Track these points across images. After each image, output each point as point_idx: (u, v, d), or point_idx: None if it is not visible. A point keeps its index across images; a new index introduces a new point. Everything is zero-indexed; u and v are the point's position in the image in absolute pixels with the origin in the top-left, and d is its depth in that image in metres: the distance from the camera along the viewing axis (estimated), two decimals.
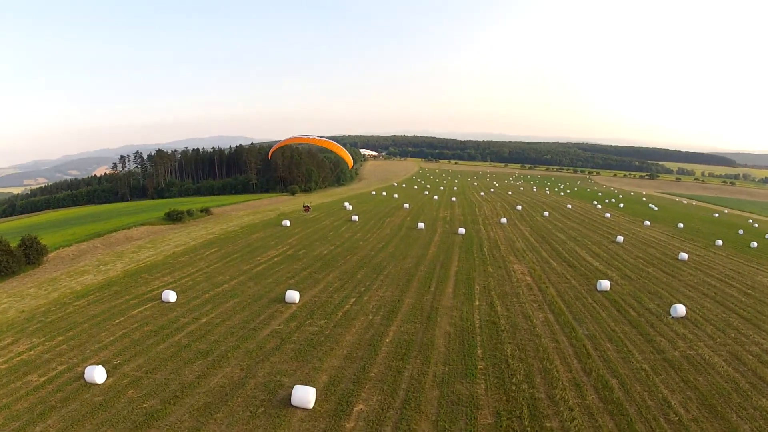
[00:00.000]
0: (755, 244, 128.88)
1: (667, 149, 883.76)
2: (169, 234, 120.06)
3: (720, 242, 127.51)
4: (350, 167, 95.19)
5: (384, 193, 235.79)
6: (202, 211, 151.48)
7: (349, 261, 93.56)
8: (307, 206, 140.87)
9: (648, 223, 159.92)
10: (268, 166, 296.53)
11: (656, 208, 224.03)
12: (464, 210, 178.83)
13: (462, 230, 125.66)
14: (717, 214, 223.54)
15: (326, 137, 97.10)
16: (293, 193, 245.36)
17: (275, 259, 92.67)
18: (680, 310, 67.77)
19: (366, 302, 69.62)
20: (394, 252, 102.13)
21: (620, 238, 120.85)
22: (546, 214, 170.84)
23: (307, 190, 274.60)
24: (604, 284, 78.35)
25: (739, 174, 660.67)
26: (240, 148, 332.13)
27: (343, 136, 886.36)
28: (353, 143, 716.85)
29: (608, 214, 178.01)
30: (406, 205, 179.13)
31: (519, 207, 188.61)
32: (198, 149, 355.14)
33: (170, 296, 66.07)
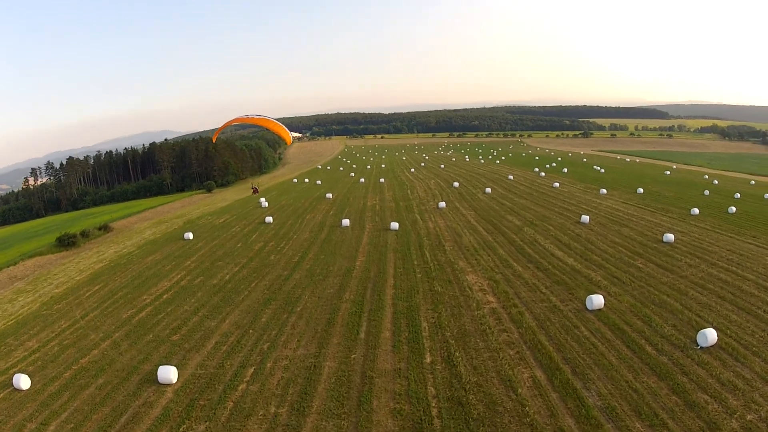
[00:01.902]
0: (733, 209, 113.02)
1: (598, 106, 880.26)
2: (57, 267, 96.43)
3: (696, 211, 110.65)
4: (289, 144, 78.65)
5: (306, 180, 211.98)
6: (100, 228, 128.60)
7: (254, 291, 71.01)
8: (255, 188, 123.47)
9: (604, 191, 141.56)
10: (183, 162, 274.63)
11: (602, 170, 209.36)
12: (395, 193, 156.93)
13: (395, 224, 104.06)
14: (668, 172, 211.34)
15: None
16: (209, 190, 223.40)
17: (164, 297, 71.17)
18: (710, 336, 47.95)
19: (269, 374, 47.10)
20: (312, 269, 79.68)
21: (585, 218, 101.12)
22: (488, 190, 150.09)
23: (225, 184, 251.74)
24: (596, 301, 57.63)
25: (674, 126, 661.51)
26: (153, 146, 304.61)
27: (267, 119, 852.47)
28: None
29: (557, 184, 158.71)
30: (330, 195, 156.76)
31: (456, 184, 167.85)
32: (111, 152, 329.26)
33: (22, 382, 48.11)
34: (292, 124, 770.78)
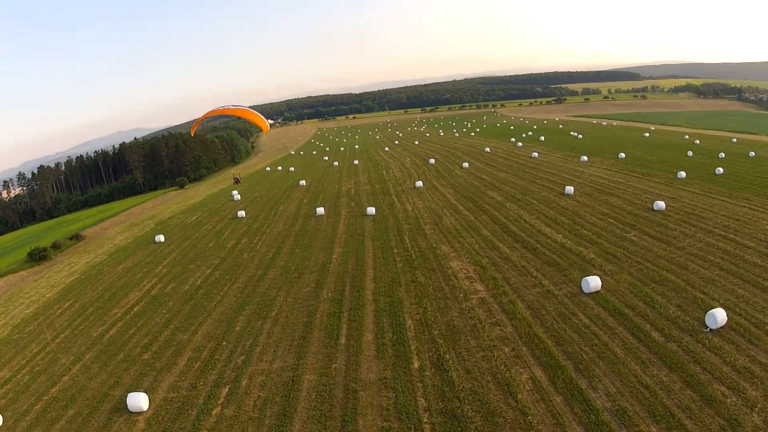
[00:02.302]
0: (720, 170, 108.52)
1: (569, 71, 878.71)
2: (29, 284, 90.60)
3: (683, 174, 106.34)
4: (266, 132, 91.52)
5: (280, 168, 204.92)
6: (72, 238, 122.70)
7: (227, 296, 65.88)
8: (237, 178, 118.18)
9: (585, 158, 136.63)
10: (154, 160, 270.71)
11: (580, 136, 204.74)
12: (370, 175, 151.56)
13: (372, 209, 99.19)
14: (647, 134, 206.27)
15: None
16: (182, 186, 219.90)
17: (135, 309, 66.09)
18: (719, 317, 43.90)
19: (244, 394, 42.50)
20: (287, 265, 74.58)
21: (569, 189, 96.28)
22: (465, 165, 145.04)
23: (198, 178, 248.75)
24: (593, 283, 52.98)
25: (647, 87, 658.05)
26: (123, 146, 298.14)
27: (235, 108, 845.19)
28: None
29: (535, 154, 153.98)
30: (303, 182, 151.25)
31: (432, 160, 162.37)
32: (82, 156, 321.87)
33: None
34: (263, 111, 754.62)
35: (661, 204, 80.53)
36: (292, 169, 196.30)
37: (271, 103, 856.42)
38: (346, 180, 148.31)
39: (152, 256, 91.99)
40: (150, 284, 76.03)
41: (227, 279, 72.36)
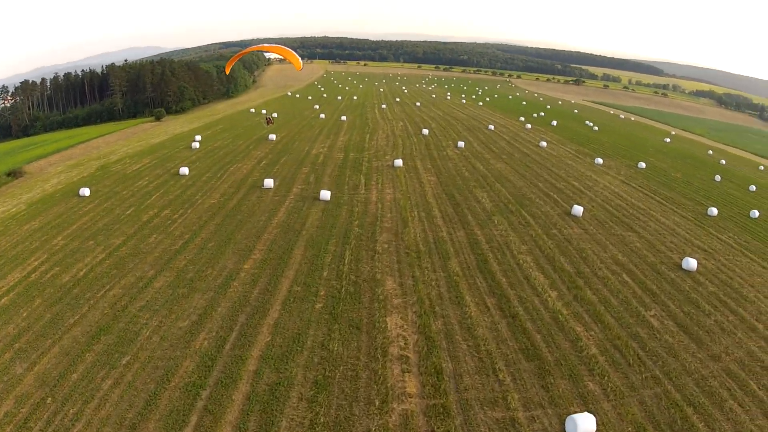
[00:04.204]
0: (756, 213, 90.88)
1: (592, 54, 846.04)
2: None
3: (714, 211, 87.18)
4: (298, 70, 78.03)
5: (264, 111, 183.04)
6: (9, 174, 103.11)
7: (94, 308, 47.00)
8: (270, 118, 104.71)
9: (600, 161, 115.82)
10: (137, 87, 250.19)
11: (596, 128, 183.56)
12: (351, 139, 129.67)
13: (326, 194, 78.80)
14: (668, 139, 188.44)
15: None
16: (158, 118, 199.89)
17: (1, 301, 48.17)
18: None
19: None
20: (185, 269, 55.02)
21: (578, 209, 75.49)
22: (461, 144, 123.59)
23: (180, 111, 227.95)
24: (583, 425, 31.49)
25: (668, 84, 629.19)
26: (111, 68, 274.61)
27: (251, 39, 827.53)
28: None
29: (544, 143, 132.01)
30: (273, 136, 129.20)
31: (426, 131, 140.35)
32: (69, 74, 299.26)
33: None
34: (278, 44, 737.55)
35: (692, 263, 60.37)
36: (274, 115, 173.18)
37: (285, 38, 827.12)
38: (323, 141, 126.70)
39: (63, 217, 72.12)
40: (37, 262, 56.97)
41: (111, 276, 53.24)
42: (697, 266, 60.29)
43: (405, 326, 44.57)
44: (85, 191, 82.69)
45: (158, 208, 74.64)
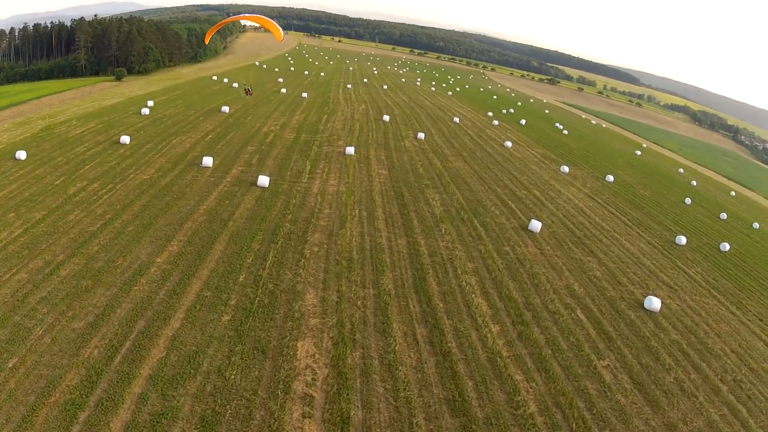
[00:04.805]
0: (726, 246, 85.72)
1: (570, 55, 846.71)
2: None
3: (683, 240, 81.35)
4: (279, 41, 78.51)
5: (225, 80, 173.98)
6: None
7: None
8: (248, 88, 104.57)
9: (566, 169, 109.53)
10: (102, 44, 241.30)
11: (566, 132, 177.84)
12: (306, 118, 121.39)
13: (265, 180, 71.31)
14: (639, 152, 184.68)
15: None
16: (119, 78, 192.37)
17: None
18: None
19: None
20: (96, 255, 47.21)
21: (536, 225, 69.24)
22: (421, 135, 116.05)
23: (143, 72, 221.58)
24: None
25: (644, 95, 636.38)
26: (80, 22, 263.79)
27: (229, 5, 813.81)
28: (237, 12, 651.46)
29: (509, 143, 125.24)
30: (226, 108, 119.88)
31: (387, 117, 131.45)
32: (39, 24, 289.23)
33: None
34: (254, 12, 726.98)
35: (655, 303, 54.21)
36: (235, 84, 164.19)
37: (263, 6, 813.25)
38: (277, 118, 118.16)
39: None
40: None
41: (22, 257, 45.44)
42: (661, 306, 53.73)
43: (317, 355, 37.16)
44: (22, 154, 74.70)
45: (88, 180, 66.58)
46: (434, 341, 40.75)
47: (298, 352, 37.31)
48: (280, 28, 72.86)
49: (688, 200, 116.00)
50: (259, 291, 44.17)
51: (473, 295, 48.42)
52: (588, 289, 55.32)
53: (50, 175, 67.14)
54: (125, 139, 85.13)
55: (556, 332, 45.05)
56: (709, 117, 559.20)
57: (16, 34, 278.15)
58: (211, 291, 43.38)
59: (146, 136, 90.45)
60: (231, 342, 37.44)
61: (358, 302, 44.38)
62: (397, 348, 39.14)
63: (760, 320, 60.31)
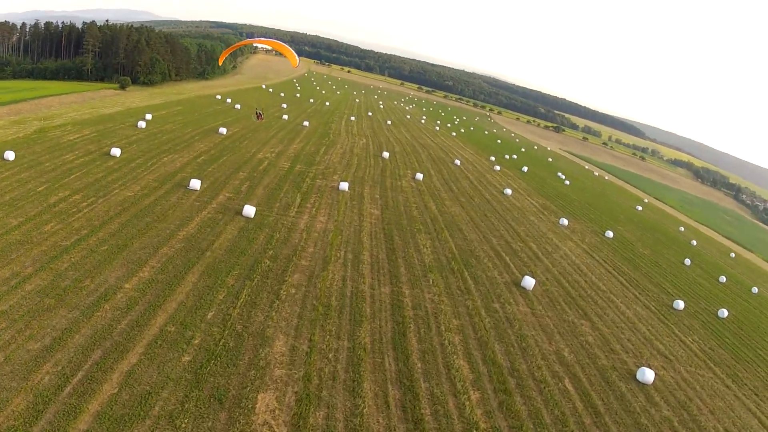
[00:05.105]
0: (724, 312, 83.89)
1: (577, 103, 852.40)
2: None
3: (681, 304, 78.95)
4: (294, 66, 74.49)
5: (229, 100, 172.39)
6: None
7: None
8: (260, 112, 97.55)
9: (565, 222, 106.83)
10: (110, 50, 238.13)
11: (568, 182, 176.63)
12: (304, 148, 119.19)
13: (251, 210, 68.14)
14: (640, 207, 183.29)
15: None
16: (123, 87, 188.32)
17: None
18: None
19: None
20: (58, 280, 43.57)
21: (529, 281, 65.87)
22: (420, 176, 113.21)
23: (148, 83, 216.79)
24: None
25: (648, 148, 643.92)
26: (90, 26, 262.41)
27: (242, 24, 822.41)
28: (249, 34, 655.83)
29: (509, 191, 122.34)
30: (224, 130, 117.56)
31: (386, 154, 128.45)
32: (51, 23, 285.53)
33: None
34: (266, 35, 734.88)
35: (648, 375, 51.08)
36: (238, 106, 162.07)
37: (277, 30, 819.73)
38: (274, 145, 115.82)
39: None
40: None
41: None
42: (654, 378, 50.49)
43: (277, 412, 33.83)
44: (10, 155, 72.62)
45: (71, 190, 64.01)
46: (407, 406, 37.30)
47: (257, 405, 33.99)
48: (296, 55, 71.52)
49: (687, 261, 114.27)
50: (226, 332, 40.90)
51: (455, 356, 45.01)
52: (578, 355, 51.98)
53: (34, 181, 64.72)
54: (116, 151, 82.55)
55: (540, 404, 41.63)
56: (711, 174, 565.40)
57: (27, 29, 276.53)
58: (176, 326, 40.21)
59: (138, 150, 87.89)
60: (188, 386, 34.21)
61: (330, 355, 41.00)
62: (365, 411, 35.75)
63: (756, 395, 57.38)
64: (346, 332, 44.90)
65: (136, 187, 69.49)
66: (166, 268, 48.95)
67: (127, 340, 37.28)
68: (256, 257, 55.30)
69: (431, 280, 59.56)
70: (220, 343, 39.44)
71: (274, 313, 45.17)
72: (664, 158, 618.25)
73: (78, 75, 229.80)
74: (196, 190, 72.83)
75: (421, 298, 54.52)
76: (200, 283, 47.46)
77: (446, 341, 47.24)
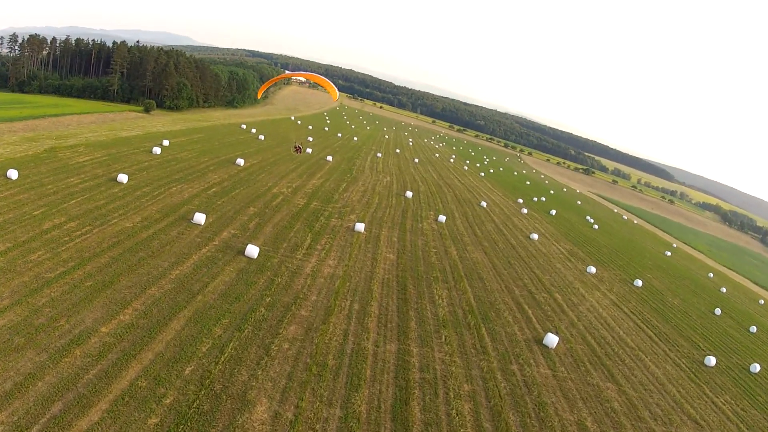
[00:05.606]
0: (757, 367, 79.06)
1: (607, 146, 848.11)
2: None
3: (712, 360, 73.95)
4: (335, 100, 78.93)
5: (254, 131, 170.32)
6: None
7: None
8: (299, 146, 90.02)
9: (593, 270, 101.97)
10: (137, 72, 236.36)
11: (596, 226, 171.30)
12: (324, 184, 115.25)
13: (254, 250, 63.64)
14: (669, 253, 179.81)
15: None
16: (147, 110, 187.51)
17: None
18: None
19: None
20: (40, 309, 40.13)
21: (552, 339, 60.34)
22: (442, 218, 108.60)
23: (174, 108, 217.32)
24: None
25: (676, 191, 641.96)
26: (120, 46, 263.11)
27: (278, 55, 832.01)
28: (284, 65, 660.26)
29: (535, 235, 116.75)
30: (241, 161, 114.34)
31: (410, 194, 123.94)
32: (81, 40, 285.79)
33: None
34: (300, 66, 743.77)
35: None
36: (261, 137, 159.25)
37: (311, 62, 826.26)
38: (293, 179, 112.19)
39: None
40: None
41: None
42: None
43: None
44: (13, 174, 70.43)
45: (68, 216, 60.88)
46: None
47: None
48: (336, 89, 69.30)
49: (718, 310, 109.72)
50: (203, 392, 36.23)
51: (462, 430, 39.47)
52: (602, 425, 46.46)
53: (32, 204, 61.90)
54: (123, 177, 79.47)
55: None
56: (739, 217, 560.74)
57: (57, 44, 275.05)
58: (148, 381, 35.97)
59: (147, 178, 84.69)
60: None
61: (317, 426, 35.92)
62: None
63: None
64: (339, 398, 39.78)
65: (136, 217, 65.98)
66: (150, 311, 44.77)
67: (92, 393, 33.26)
68: (251, 304, 50.73)
69: (444, 337, 54.31)
70: (194, 405, 34.76)
71: (260, 372, 40.25)
72: (693, 201, 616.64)
73: (104, 95, 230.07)
74: (199, 225, 69.08)
75: (430, 358, 49.24)
76: (184, 331, 42.98)
77: (454, 411, 41.85)
